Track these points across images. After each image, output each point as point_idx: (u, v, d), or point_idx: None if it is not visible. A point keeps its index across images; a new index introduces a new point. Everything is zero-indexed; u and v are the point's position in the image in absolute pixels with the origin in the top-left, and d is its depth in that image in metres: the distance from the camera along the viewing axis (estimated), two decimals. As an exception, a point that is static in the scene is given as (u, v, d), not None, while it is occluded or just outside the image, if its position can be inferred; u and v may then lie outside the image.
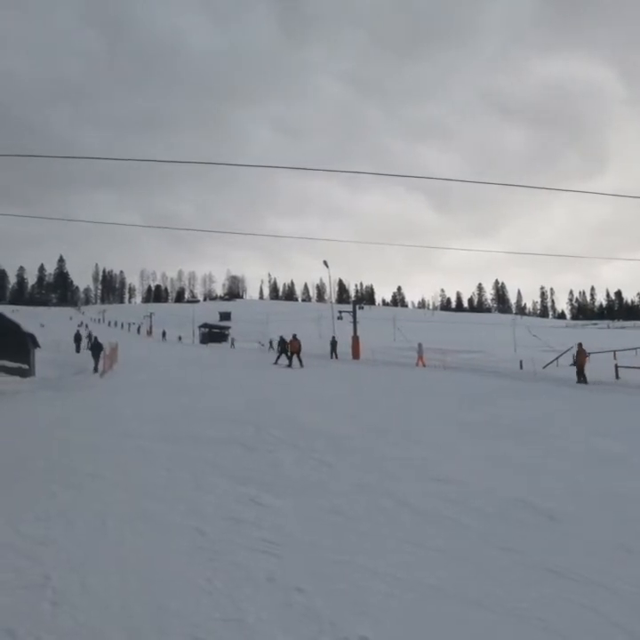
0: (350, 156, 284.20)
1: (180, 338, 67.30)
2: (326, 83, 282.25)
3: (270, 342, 53.42)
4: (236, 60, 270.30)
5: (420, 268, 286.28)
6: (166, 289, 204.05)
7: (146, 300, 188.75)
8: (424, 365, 30.27)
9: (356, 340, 36.83)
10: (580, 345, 23.99)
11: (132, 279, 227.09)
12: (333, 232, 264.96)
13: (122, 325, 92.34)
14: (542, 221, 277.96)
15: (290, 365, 27.99)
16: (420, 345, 32.04)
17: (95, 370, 24.02)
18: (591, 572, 4.61)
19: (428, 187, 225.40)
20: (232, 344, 60.55)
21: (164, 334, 69.90)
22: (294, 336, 29.52)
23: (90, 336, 30.78)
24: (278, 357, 29.80)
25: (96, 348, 26.10)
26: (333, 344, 36.54)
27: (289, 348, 29.15)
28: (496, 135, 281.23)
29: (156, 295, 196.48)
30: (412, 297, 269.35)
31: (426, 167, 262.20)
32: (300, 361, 28.36)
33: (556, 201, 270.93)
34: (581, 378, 22.63)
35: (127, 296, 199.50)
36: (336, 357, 35.26)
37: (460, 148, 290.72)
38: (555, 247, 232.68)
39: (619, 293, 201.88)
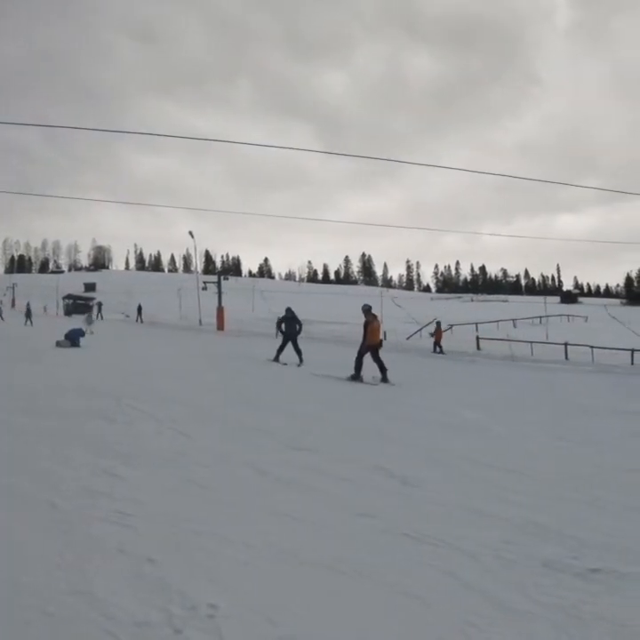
0: (225, 72, 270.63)
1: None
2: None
3: (138, 310, 47.78)
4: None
5: (287, 237, 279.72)
6: (30, 259, 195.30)
7: (9, 270, 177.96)
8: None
9: (220, 310, 36.35)
10: (438, 322, 29.07)
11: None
12: (203, 173, 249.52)
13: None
14: (439, 171, 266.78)
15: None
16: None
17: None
18: (446, 536, 4.85)
19: (315, 116, 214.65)
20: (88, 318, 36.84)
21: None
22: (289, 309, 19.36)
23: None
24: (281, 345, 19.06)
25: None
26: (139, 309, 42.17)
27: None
28: (404, 55, 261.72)
29: (19, 265, 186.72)
30: (279, 268, 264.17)
31: (314, 92, 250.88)
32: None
33: (456, 149, 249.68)
34: (437, 348, 27.40)
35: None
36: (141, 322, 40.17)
37: (358, 69, 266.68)
38: (448, 201, 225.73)
39: (483, 268, 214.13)
